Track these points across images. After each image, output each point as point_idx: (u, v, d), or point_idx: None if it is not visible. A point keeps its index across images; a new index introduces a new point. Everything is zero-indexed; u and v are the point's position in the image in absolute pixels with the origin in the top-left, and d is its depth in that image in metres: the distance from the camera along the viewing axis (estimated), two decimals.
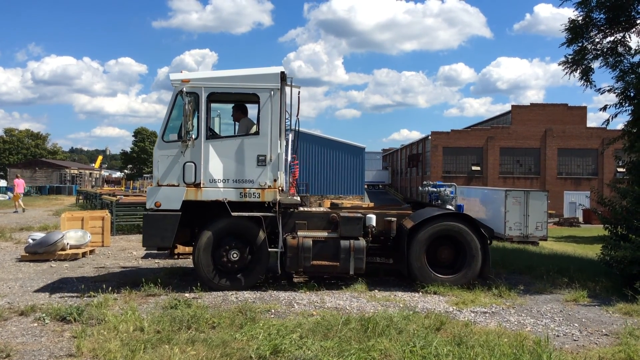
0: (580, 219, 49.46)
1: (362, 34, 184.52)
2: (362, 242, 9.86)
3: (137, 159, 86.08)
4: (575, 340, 7.48)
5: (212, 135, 10.03)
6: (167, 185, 9.63)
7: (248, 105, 10.75)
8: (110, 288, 9.29)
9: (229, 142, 9.89)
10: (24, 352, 6.45)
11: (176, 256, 10.53)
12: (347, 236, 9.89)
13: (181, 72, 9.91)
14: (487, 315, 8.61)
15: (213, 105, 10.53)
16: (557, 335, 7.64)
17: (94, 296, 8.46)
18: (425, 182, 13.96)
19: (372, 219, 10.28)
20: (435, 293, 9.93)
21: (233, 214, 9.58)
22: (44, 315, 7.85)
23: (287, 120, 10.64)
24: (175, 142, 9.61)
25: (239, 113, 10.64)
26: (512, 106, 59.84)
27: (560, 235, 35.46)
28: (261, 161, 9.73)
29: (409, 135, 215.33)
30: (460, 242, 10.14)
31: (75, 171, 73.01)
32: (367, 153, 70.85)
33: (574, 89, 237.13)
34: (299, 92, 10.51)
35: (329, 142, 66.42)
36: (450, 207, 11.25)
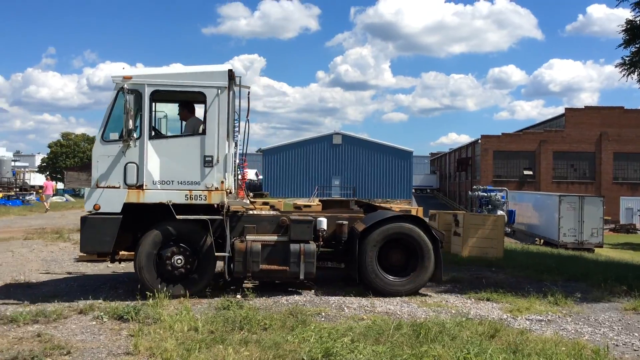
0: (638, 226, 47.69)
1: (409, 37, 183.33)
2: (312, 245, 9.56)
3: None
4: (635, 350, 7.21)
5: (156, 134, 9.66)
6: (107, 187, 9.10)
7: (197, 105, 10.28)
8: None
9: (174, 142, 9.49)
10: (83, 350, 6.65)
11: (118, 262, 10.10)
12: (297, 240, 9.58)
13: (122, 68, 9.56)
14: (542, 323, 8.39)
15: (160, 105, 10.40)
16: (617, 345, 7.38)
17: (150, 296, 8.64)
18: (475, 187, 13.74)
19: (323, 222, 9.93)
20: (488, 300, 9.76)
21: (178, 217, 9.07)
22: (102, 314, 8.09)
23: (236, 122, 10.31)
24: (116, 142, 9.10)
25: (186, 112, 10.20)
26: (566, 109, 58.41)
27: (617, 242, 34.32)
28: (208, 162, 9.25)
29: (457, 139, 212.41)
30: (413, 245, 9.85)
31: None
32: (414, 157, 70.32)
33: (631, 92, 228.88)
34: (249, 92, 10.14)
35: (376, 145, 66.22)
36: (501, 212, 11.04)
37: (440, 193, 79.74)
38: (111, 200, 9.06)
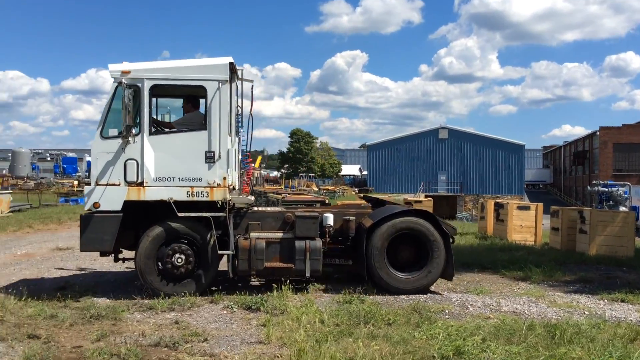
0: None
1: (518, 25, 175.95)
2: (318, 242, 9.24)
3: (292, 159, 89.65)
4: None
5: (156, 130, 9.29)
6: (106, 185, 8.84)
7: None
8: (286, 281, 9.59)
9: (175, 138, 9.17)
10: (218, 337, 6.97)
11: (121, 261, 9.93)
12: (302, 236, 9.25)
13: (122, 62, 9.18)
14: None
15: (163, 100, 10.30)
16: None
17: (275, 288, 8.89)
18: (594, 182, 12.83)
19: (330, 218, 9.60)
20: (622, 301, 9.17)
21: (179, 214, 8.79)
22: (231, 303, 8.44)
23: (239, 117, 10.03)
24: (115, 138, 8.84)
25: (189, 106, 9.79)
26: None
27: None
28: (209, 158, 8.93)
29: (571, 131, 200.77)
30: (422, 241, 9.43)
31: None
32: (526, 151, 67.35)
33: None
34: (252, 85, 9.87)
35: (484, 139, 64.16)
36: (624, 208, 10.24)
37: (555, 188, 75.84)
38: (111, 198, 8.81)
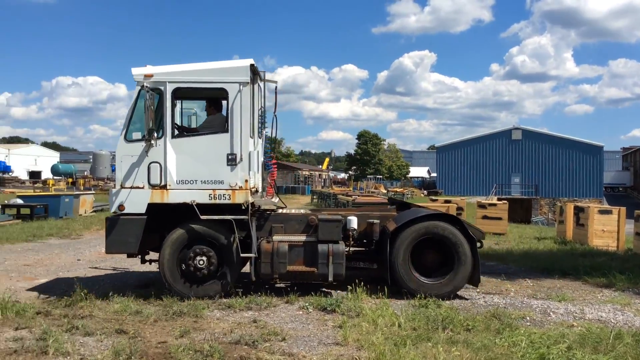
0: None
1: (594, 22, 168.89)
2: (341, 246, 9.09)
3: (360, 161, 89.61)
4: None
5: (179, 133, 9.32)
6: (131, 188, 8.94)
7: None
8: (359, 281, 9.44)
9: (197, 140, 9.23)
10: (296, 337, 7.05)
11: (149, 263, 9.78)
12: (325, 240, 9.09)
13: (146, 66, 9.20)
14: None
15: (189, 102, 10.31)
16: None
17: (350, 290, 8.91)
18: None
19: (353, 221, 9.42)
20: None
21: (202, 217, 8.81)
22: (307, 304, 8.52)
23: (263, 118, 9.93)
24: (138, 142, 8.91)
25: (212, 108, 9.73)
26: None
27: None
28: (231, 160, 8.90)
29: None
30: (448, 246, 9.12)
31: (307, 172, 78.58)
32: (604, 152, 64.50)
33: None
34: (276, 86, 9.81)
35: (560, 140, 61.95)
36: None
37: (635, 192, 72.16)
38: (135, 201, 8.90)
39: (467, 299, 9.28)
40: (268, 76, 9.75)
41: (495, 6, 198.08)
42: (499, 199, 36.46)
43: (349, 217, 9.48)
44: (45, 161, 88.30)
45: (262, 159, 10.29)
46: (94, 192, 33.34)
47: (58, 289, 9.94)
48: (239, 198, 8.89)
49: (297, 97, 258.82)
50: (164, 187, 8.93)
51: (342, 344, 6.72)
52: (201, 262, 8.86)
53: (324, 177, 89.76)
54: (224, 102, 9.43)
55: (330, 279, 8.99)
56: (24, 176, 74.04)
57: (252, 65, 9.07)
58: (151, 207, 8.94)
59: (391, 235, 9.17)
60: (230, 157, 8.90)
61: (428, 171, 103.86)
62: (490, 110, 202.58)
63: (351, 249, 9.64)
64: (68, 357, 6.26)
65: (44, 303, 8.72)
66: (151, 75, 8.89)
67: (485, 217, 19.71)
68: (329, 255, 8.97)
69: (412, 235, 9.13)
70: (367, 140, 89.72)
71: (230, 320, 7.82)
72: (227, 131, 9.00)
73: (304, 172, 77.33)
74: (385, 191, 48.67)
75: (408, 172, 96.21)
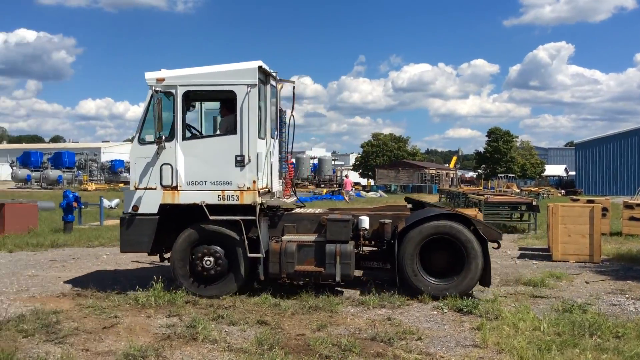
0: None
1: None
2: (349, 246, 8.95)
3: (490, 159, 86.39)
4: None
5: (189, 135, 9.49)
6: (144, 189, 9.15)
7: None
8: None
9: (206, 142, 9.42)
10: (432, 337, 6.97)
11: (167, 261, 9.71)
12: (333, 240, 8.95)
13: (160, 70, 9.31)
14: None
15: (208, 104, 10.44)
16: None
17: (480, 291, 8.67)
18: None
19: (365, 221, 9.34)
20: None
21: (211, 217, 8.87)
22: (442, 304, 8.39)
23: (282, 119, 10.08)
24: (151, 144, 9.07)
25: (225, 110, 9.68)
26: None
27: None
28: (239, 162, 8.94)
29: None
30: (458, 246, 8.88)
31: (433, 171, 77.14)
32: None
33: None
34: (294, 86, 10.03)
35: None
36: None
37: None
38: (148, 202, 9.12)
39: (615, 305, 8.66)
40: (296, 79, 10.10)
41: None
42: None
43: (361, 217, 9.46)
44: None
45: (274, 158, 10.23)
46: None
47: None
48: (247, 199, 8.97)
49: (423, 95, 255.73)
50: (175, 188, 9.13)
51: (481, 347, 6.55)
52: (208, 263, 8.97)
53: (451, 175, 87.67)
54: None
55: (338, 279, 8.93)
56: None
57: (260, 67, 9.13)
58: (165, 207, 9.21)
59: (399, 235, 9.11)
60: (238, 158, 8.99)
61: (565, 169, 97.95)
62: (635, 103, 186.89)
63: (366, 249, 9.68)
64: (215, 344, 6.67)
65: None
66: (163, 79, 9.12)
67: (632, 219, 18.16)
68: (337, 255, 8.91)
69: (420, 236, 9.01)
70: (498, 138, 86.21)
71: (365, 317, 7.91)
72: (235, 132, 9.07)
73: (430, 171, 76.03)
74: (518, 190, 46.51)
75: (543, 171, 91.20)
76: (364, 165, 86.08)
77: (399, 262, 9.03)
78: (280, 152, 10.47)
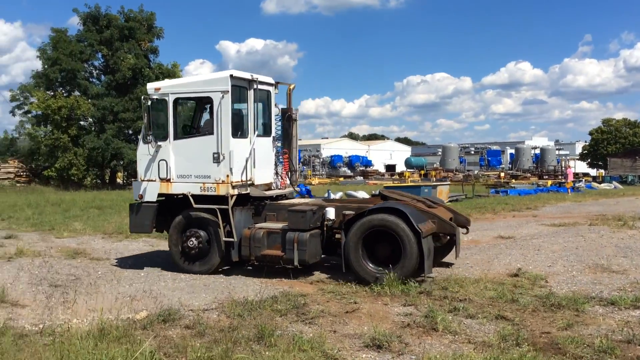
0: None
1: None
2: (306, 234, 9.87)
3: None
4: None
5: (178, 135, 10.87)
6: (147, 181, 10.90)
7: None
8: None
9: (192, 142, 10.82)
10: None
11: None
12: (294, 228, 9.92)
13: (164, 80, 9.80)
14: None
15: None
16: None
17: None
18: None
19: (331, 212, 10.33)
20: None
21: (195, 205, 10.40)
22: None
23: (277, 118, 11.73)
24: (152, 143, 10.78)
25: (209, 113, 10.99)
26: None
27: None
28: (215, 158, 10.29)
29: None
30: (395, 238, 9.35)
31: None
32: None
33: None
34: (292, 88, 11.92)
35: None
36: None
37: None
38: (150, 191, 10.89)
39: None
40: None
41: None
42: None
43: (328, 208, 10.41)
44: (399, 155, 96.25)
45: (273, 154, 11.59)
46: (449, 182, 34.87)
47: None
48: (222, 190, 10.34)
49: None
50: (169, 180, 10.79)
51: None
52: (192, 243, 10.52)
53: None
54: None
55: (296, 263, 9.89)
56: (382, 169, 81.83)
57: (231, 76, 10.28)
58: (164, 196, 10.97)
59: (344, 226, 9.87)
60: (215, 155, 10.34)
61: None
62: None
63: (338, 237, 10.34)
64: (456, 336, 6.70)
65: None
66: (159, 89, 10.85)
67: None
68: (294, 242, 9.85)
69: (361, 227, 9.60)
70: None
71: (617, 318, 7.36)
72: (212, 133, 10.41)
73: None
74: None
75: None
76: (593, 155, 78.80)
77: (344, 250, 9.76)
78: (282, 147, 11.97)
